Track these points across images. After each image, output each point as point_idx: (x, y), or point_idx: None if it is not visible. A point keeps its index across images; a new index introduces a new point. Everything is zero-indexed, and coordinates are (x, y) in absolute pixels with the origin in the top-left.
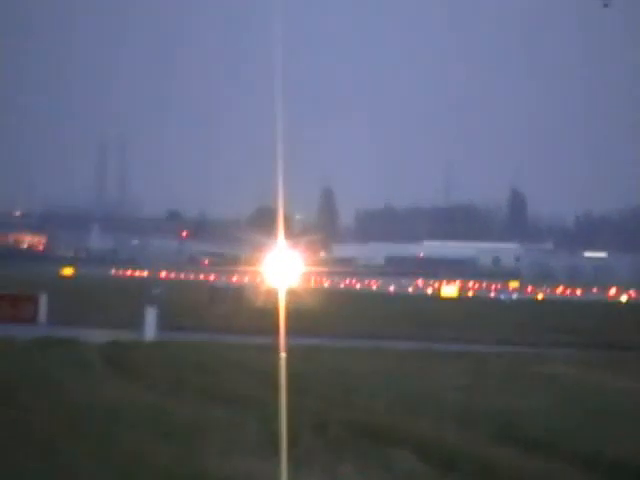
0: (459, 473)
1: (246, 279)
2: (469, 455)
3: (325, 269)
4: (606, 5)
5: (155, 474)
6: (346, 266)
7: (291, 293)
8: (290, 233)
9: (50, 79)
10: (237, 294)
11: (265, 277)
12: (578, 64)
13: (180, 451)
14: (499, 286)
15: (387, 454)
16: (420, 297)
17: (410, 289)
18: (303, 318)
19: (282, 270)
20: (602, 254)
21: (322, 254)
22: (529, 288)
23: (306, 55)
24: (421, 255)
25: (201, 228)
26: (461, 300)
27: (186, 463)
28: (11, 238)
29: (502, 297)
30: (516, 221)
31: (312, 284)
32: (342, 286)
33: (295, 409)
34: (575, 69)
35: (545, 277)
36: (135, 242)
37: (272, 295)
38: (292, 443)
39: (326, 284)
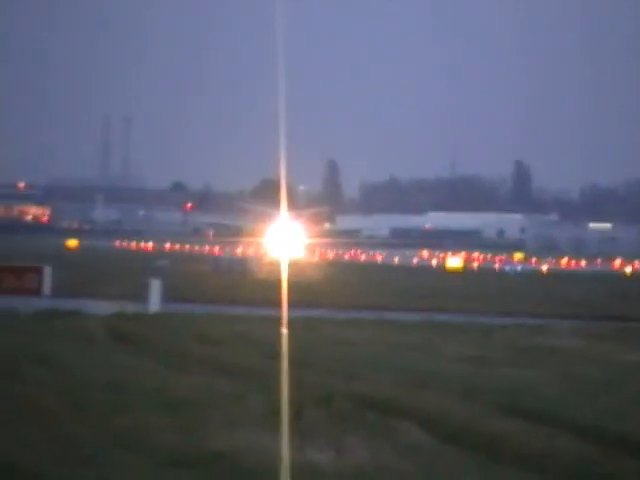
0: (464, 445)
1: (250, 251)
2: (474, 428)
3: (329, 241)
4: None
5: (158, 446)
6: (350, 238)
7: (295, 265)
8: (294, 205)
9: (56, 55)
10: (241, 266)
11: (269, 249)
12: (582, 36)
13: (184, 423)
14: (504, 258)
15: (392, 427)
16: (425, 269)
17: (415, 261)
18: (307, 290)
19: (286, 242)
20: (607, 225)
21: (326, 226)
22: (534, 260)
23: (311, 30)
24: (428, 227)
25: (205, 200)
26: (466, 272)
27: (189, 435)
28: (15, 210)
29: (507, 269)
30: (521, 193)
31: (316, 256)
32: (346, 258)
33: (299, 381)
34: (579, 40)
35: (550, 249)
36: (140, 214)
37: (276, 267)
38: (296, 416)
39: (330, 256)
